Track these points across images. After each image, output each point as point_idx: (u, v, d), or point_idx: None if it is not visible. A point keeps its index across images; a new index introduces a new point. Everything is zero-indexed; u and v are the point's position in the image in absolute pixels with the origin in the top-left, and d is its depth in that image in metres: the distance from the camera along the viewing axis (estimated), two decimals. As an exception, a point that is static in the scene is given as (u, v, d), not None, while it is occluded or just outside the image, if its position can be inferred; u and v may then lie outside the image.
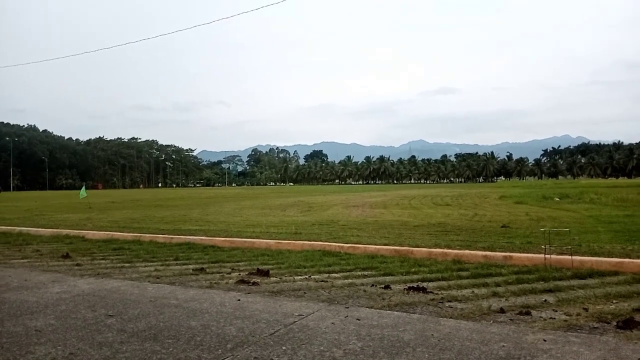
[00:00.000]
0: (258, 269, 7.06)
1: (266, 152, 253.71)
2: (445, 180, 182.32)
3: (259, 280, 6.41)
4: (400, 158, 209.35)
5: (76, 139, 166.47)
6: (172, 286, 6.25)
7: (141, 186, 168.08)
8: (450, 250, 7.97)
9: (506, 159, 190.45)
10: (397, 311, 4.88)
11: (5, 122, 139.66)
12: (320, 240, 9.55)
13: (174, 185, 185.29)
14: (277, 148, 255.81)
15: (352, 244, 8.98)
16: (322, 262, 7.65)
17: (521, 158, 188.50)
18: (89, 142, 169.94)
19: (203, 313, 4.89)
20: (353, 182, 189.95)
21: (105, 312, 4.98)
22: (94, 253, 9.34)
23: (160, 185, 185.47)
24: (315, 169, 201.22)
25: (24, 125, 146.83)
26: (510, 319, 4.52)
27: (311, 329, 4.30)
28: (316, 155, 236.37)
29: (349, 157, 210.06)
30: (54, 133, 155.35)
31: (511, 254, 7.46)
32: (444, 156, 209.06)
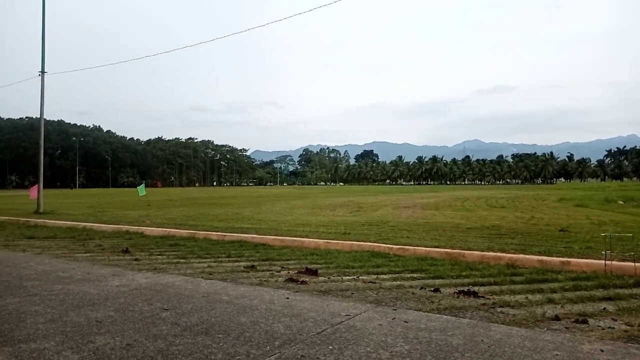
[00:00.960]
0: (307, 268, 7.13)
1: (317, 152, 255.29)
2: (501, 182, 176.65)
3: (307, 279, 6.48)
4: (454, 158, 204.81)
5: (137, 139, 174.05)
6: (224, 282, 6.44)
7: (197, 184, 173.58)
8: (503, 254, 7.74)
9: (566, 159, 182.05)
10: (446, 315, 4.80)
11: (72, 123, 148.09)
12: (369, 241, 9.51)
13: (228, 184, 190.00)
14: (328, 148, 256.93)
15: (401, 245, 8.90)
16: (371, 263, 7.64)
17: (583, 159, 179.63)
18: (148, 142, 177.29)
19: (253, 310, 5.01)
20: (404, 183, 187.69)
21: (160, 306, 5.19)
22: (151, 249, 9.75)
23: (215, 183, 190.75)
24: (366, 169, 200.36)
25: (89, 126, 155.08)
26: (566, 327, 4.34)
27: (358, 330, 4.31)
28: (367, 155, 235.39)
29: (400, 157, 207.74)
30: (117, 133, 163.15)
31: (569, 259, 7.15)
32: (500, 156, 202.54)
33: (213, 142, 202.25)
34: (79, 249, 9.89)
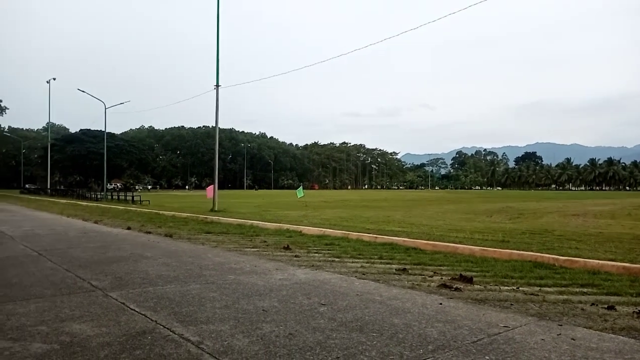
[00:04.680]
0: (461, 274, 6.93)
1: (472, 154, 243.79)
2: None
3: (461, 286, 6.30)
4: (635, 160, 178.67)
5: (295, 144, 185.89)
6: (377, 283, 6.58)
7: (349, 187, 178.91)
8: (700, 273, 6.59)
9: None
10: (622, 336, 4.28)
11: (240, 130, 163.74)
12: (531, 251, 8.85)
13: (379, 187, 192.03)
14: (484, 150, 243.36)
15: (569, 256, 8.11)
16: (533, 274, 7.11)
17: None
18: (306, 146, 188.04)
19: (405, 312, 5.05)
20: (573, 188, 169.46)
21: (318, 301, 5.52)
22: (309, 247, 10.36)
23: (366, 186, 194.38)
24: (528, 172, 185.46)
25: (255, 133, 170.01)
26: None
27: (517, 343, 4.08)
28: (528, 158, 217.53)
29: (568, 160, 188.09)
30: (279, 139, 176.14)
31: None
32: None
33: (364, 145, 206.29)
34: (247, 244, 10.93)
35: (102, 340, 4.11)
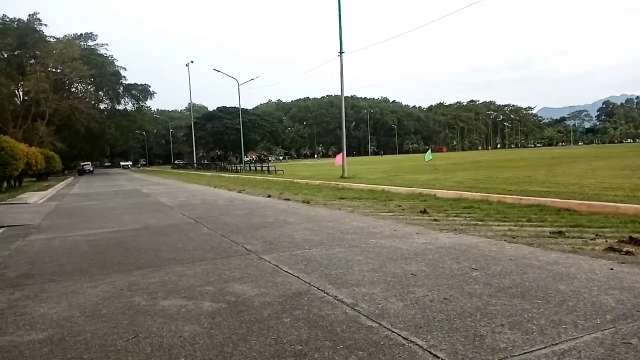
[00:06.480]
0: (630, 237, 6.15)
1: (621, 103, 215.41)
2: None
3: (633, 250, 5.59)
4: None
5: (419, 107, 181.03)
6: (531, 247, 6.11)
7: (479, 148, 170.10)
8: None
9: None
10: None
11: (362, 96, 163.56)
12: None
13: (513, 146, 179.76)
14: (637, 97, 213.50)
15: None
16: None
17: None
18: (430, 108, 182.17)
19: (571, 278, 4.60)
20: None
21: (468, 265, 5.28)
22: (447, 210, 10.01)
23: (498, 146, 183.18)
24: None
25: (377, 98, 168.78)
26: None
27: None
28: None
29: None
30: (402, 102, 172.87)
31: None
32: None
33: (495, 102, 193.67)
34: (382, 209, 10.91)
35: (263, 300, 4.36)
